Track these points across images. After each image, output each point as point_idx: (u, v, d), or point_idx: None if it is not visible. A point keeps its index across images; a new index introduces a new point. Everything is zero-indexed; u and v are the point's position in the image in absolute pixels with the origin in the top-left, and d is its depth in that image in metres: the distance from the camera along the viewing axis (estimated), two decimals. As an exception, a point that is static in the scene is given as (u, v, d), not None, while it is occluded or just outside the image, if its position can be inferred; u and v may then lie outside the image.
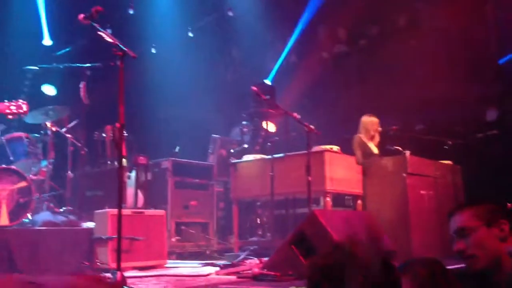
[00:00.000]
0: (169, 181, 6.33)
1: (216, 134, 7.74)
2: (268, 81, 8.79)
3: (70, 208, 5.63)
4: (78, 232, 4.79)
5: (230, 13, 8.70)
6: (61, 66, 6.44)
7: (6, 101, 4.48)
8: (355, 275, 1.25)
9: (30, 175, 5.54)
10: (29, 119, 5.83)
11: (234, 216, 5.95)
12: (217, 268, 4.46)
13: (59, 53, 8.09)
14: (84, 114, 7.17)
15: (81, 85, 5.86)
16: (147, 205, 5.77)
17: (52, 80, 7.05)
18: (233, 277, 3.88)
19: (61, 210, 5.58)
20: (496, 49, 7.47)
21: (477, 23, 7.58)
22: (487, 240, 1.91)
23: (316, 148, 5.29)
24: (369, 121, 6.21)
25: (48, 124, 5.86)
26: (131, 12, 8.40)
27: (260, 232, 6.49)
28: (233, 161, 6.31)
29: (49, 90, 6.99)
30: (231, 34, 9.41)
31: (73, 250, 4.53)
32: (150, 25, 8.76)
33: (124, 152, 3.59)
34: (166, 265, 4.87)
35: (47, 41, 8.15)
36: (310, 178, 4.80)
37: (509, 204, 2.20)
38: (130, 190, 5.80)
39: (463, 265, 2.01)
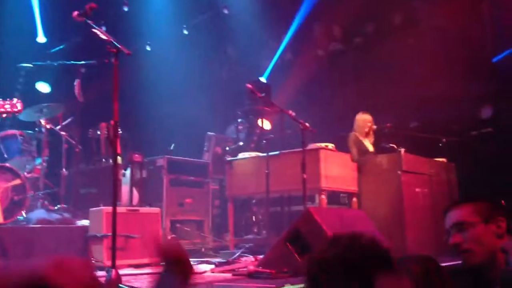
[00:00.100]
0: (164, 179, 6.31)
1: (211, 132, 7.74)
2: (263, 79, 8.78)
3: (64, 206, 5.61)
4: (73, 230, 4.78)
5: (225, 11, 8.69)
6: (55, 64, 6.41)
7: (0, 99, 4.46)
8: (352, 269, 1.24)
9: (25, 173, 5.53)
10: (23, 117, 5.80)
11: (230, 214, 5.95)
12: (213, 266, 4.46)
13: (53, 50, 8.06)
14: (79, 111, 7.17)
15: (76, 82, 5.84)
16: (142, 203, 5.76)
17: (46, 78, 7.02)
18: (228, 275, 3.89)
19: (56, 208, 5.56)
20: (491, 48, 7.49)
21: (473, 21, 7.60)
22: (484, 236, 1.93)
23: (311, 146, 5.29)
24: (362, 118, 6.23)
25: (42, 121, 5.84)
26: (125, 9, 8.36)
27: (255, 230, 6.49)
28: (228, 158, 6.31)
29: (43, 87, 6.97)
30: (226, 31, 9.39)
31: (68, 248, 4.52)
32: (145, 22, 8.73)
33: (119, 150, 3.58)
34: (162, 263, 4.86)
35: (41, 38, 8.12)
36: (305, 176, 4.80)
37: (502, 202, 2.21)
38: (125, 188, 5.79)
39: (457, 262, 2.02)
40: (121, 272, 3.34)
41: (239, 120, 7.57)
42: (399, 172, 5.39)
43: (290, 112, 5.40)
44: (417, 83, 7.39)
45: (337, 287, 1.25)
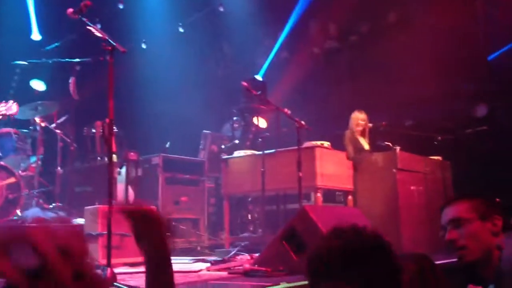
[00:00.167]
0: (159, 177, 6.30)
1: (207, 130, 7.73)
2: (259, 77, 8.77)
3: (59, 204, 5.59)
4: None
5: (221, 9, 8.67)
6: (50, 61, 6.38)
7: None
8: (352, 262, 1.23)
9: (19, 171, 5.50)
10: (18, 115, 5.77)
11: (225, 212, 5.95)
12: (208, 264, 4.46)
13: (48, 48, 8.00)
14: (74, 109, 7.14)
15: (71, 80, 5.82)
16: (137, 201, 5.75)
17: (41, 75, 6.97)
18: (224, 273, 3.88)
19: (51, 206, 5.54)
20: (486, 46, 7.52)
21: (468, 19, 7.62)
22: (480, 232, 1.94)
23: (307, 144, 5.30)
24: (354, 116, 6.25)
25: (37, 119, 5.82)
26: (121, 6, 8.33)
27: (251, 228, 6.49)
28: (224, 157, 6.30)
29: (38, 85, 6.92)
30: (221, 29, 9.38)
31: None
32: (140, 20, 8.70)
33: (114, 148, 3.57)
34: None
35: (36, 35, 8.07)
36: (301, 174, 4.80)
37: (497, 199, 2.22)
38: (120, 186, 5.77)
39: (452, 260, 2.03)
40: (116, 270, 3.33)
41: (235, 118, 7.56)
42: (394, 170, 5.40)
43: (286, 110, 5.40)
44: (413, 81, 7.41)
45: (337, 279, 1.23)
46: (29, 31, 8.04)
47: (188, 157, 6.95)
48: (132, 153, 5.81)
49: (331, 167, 5.38)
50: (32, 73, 6.82)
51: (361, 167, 5.72)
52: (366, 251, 1.24)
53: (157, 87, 8.53)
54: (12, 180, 5.02)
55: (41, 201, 5.61)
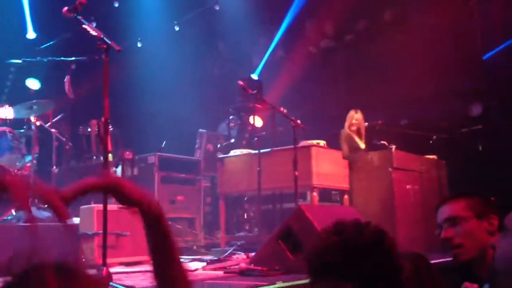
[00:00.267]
0: (155, 176, 6.29)
1: (202, 129, 7.71)
2: (255, 76, 8.77)
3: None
4: (63, 228, 4.74)
5: (217, 7, 8.65)
6: (45, 60, 6.35)
7: None
8: (352, 260, 1.20)
9: (14, 170, 5.47)
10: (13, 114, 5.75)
11: (221, 211, 5.94)
12: (204, 264, 4.45)
13: (43, 46, 7.96)
14: (69, 108, 7.11)
15: (66, 79, 5.79)
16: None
17: (36, 74, 6.94)
18: (220, 272, 3.88)
19: (46, 205, 5.51)
20: (481, 45, 7.54)
21: (464, 19, 7.65)
22: (476, 231, 1.94)
23: (303, 143, 5.30)
24: (349, 115, 6.26)
25: (32, 118, 5.79)
26: (116, 5, 8.30)
27: (247, 227, 6.49)
28: (220, 156, 6.29)
29: (33, 84, 6.89)
30: (217, 28, 9.36)
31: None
32: (136, 18, 8.67)
33: (109, 147, 3.56)
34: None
35: (30, 34, 8.03)
36: (297, 173, 4.81)
37: (492, 198, 2.23)
38: (116, 185, 5.75)
39: (447, 259, 2.03)
40: (112, 270, 3.32)
41: (231, 117, 7.56)
42: (390, 169, 5.42)
43: (282, 109, 5.41)
44: (408, 81, 7.43)
45: (336, 277, 1.20)
46: (24, 29, 8.00)
47: (184, 156, 6.94)
48: (127, 152, 5.80)
49: (327, 166, 5.38)
50: (27, 72, 6.79)
51: (357, 166, 5.73)
52: (367, 248, 1.21)
53: (153, 86, 8.51)
54: (7, 179, 4.99)
55: (36, 200, 5.58)
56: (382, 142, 5.90)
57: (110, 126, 3.58)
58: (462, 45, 7.53)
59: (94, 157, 6.16)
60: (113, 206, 4.69)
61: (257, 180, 5.28)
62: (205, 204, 7.02)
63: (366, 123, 6.29)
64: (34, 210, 5.21)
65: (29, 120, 5.82)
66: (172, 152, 6.79)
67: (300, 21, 9.07)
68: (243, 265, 3.79)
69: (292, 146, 4.95)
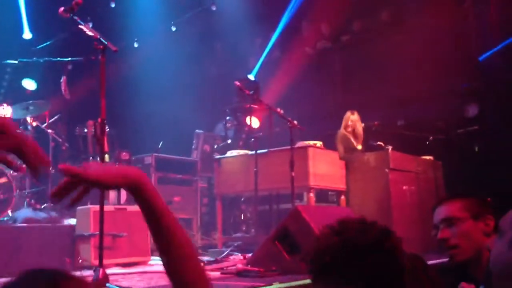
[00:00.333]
0: (152, 177, 6.28)
1: (199, 130, 7.71)
2: (251, 76, 8.78)
3: (51, 204, 5.55)
4: (60, 229, 4.73)
5: (214, 8, 8.65)
6: (41, 60, 6.33)
7: None
8: (353, 261, 1.17)
9: (10, 171, 5.45)
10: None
11: (218, 212, 5.94)
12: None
13: (39, 47, 7.94)
14: (65, 109, 7.09)
15: (62, 79, 5.78)
16: (129, 201, 5.72)
17: (32, 75, 6.92)
18: (217, 273, 3.88)
19: (42, 206, 5.50)
20: (477, 46, 7.56)
21: (460, 20, 7.67)
22: (472, 232, 1.94)
23: (299, 144, 5.30)
24: (345, 116, 6.28)
25: (29, 119, 5.77)
26: (112, 5, 8.28)
27: (244, 228, 6.49)
28: (216, 156, 6.29)
29: (29, 84, 6.87)
30: (214, 28, 9.36)
31: (55, 247, 4.47)
32: (132, 18, 8.66)
33: (106, 148, 3.55)
34: (150, 262, 4.85)
35: (27, 34, 8.00)
36: (293, 174, 4.81)
37: (488, 199, 2.23)
38: (112, 186, 5.74)
39: (443, 260, 2.04)
40: (108, 271, 3.31)
41: (228, 117, 7.55)
42: (386, 170, 5.42)
43: (279, 110, 5.41)
44: (404, 81, 7.45)
45: (337, 279, 1.17)
46: (20, 29, 7.98)
47: (181, 157, 6.93)
48: (124, 153, 5.79)
49: (323, 167, 5.38)
50: (24, 72, 6.77)
51: (353, 167, 5.74)
52: (367, 249, 1.18)
53: (150, 86, 8.50)
54: (3, 180, 4.98)
55: (32, 201, 5.56)
56: (378, 142, 5.91)
57: (107, 127, 3.57)
58: (458, 46, 7.55)
59: (91, 158, 6.13)
60: (109, 207, 4.70)
61: (254, 180, 5.28)
62: (202, 205, 7.01)
63: (363, 124, 6.30)
64: (30, 211, 5.20)
65: (25, 120, 5.80)
66: (169, 153, 6.78)
67: (296, 22, 9.08)
68: (240, 266, 3.79)
69: (288, 147, 4.95)
